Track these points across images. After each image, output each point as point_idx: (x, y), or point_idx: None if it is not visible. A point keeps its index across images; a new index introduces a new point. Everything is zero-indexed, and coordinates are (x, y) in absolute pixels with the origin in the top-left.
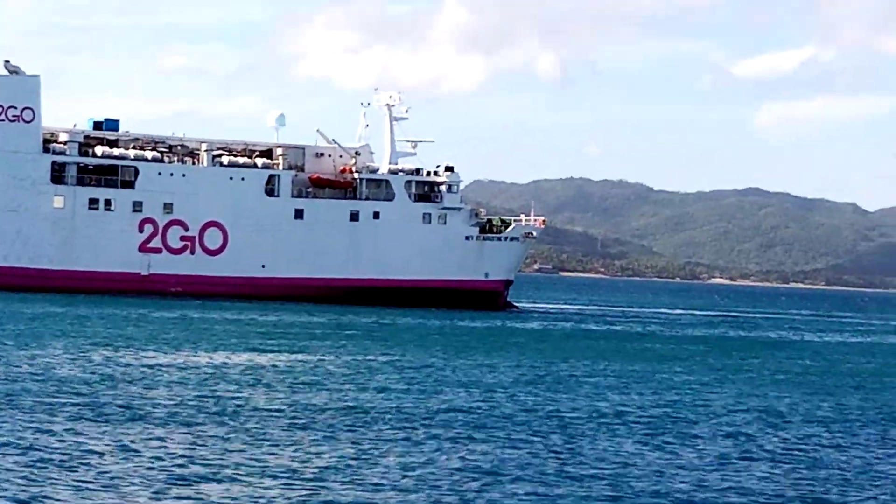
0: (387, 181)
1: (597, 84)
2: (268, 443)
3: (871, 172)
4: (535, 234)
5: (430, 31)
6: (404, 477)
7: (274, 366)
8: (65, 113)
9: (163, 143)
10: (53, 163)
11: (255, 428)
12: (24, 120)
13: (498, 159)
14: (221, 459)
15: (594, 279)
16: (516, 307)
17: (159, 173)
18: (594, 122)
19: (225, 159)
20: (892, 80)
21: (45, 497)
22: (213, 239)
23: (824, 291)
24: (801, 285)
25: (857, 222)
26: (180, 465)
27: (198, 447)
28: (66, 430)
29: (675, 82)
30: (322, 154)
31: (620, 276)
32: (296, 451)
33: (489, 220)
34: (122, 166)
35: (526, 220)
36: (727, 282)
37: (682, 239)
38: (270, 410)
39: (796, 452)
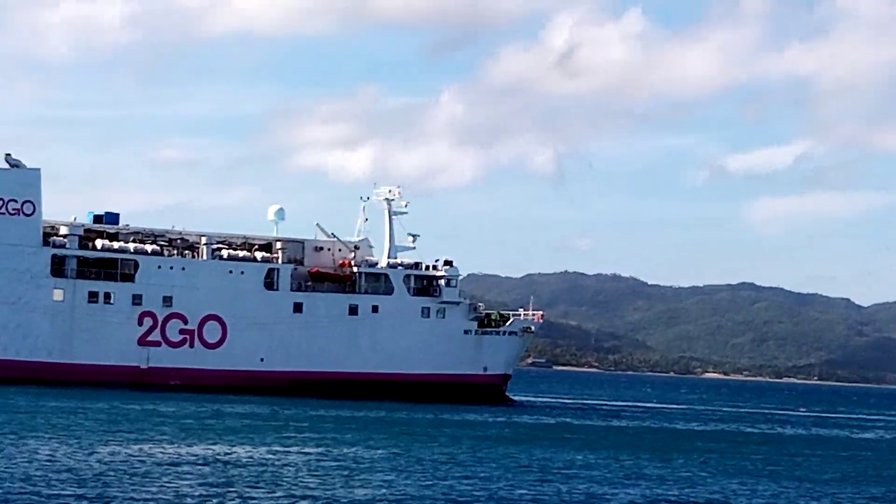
0: (386, 275)
1: (591, 179)
2: None
3: (864, 267)
4: (533, 328)
5: (426, 125)
6: None
7: (270, 459)
8: (60, 205)
9: (162, 236)
10: (53, 256)
11: None
12: (24, 213)
13: (492, 253)
14: None
15: (588, 373)
16: (514, 401)
17: (159, 267)
18: (588, 216)
19: (224, 253)
20: (885, 176)
21: None
22: (212, 332)
23: (819, 387)
24: (794, 380)
25: (850, 317)
26: None
27: None
28: None
29: (669, 177)
30: (321, 248)
31: (614, 370)
32: None
33: (488, 315)
34: (122, 259)
35: (524, 315)
36: (720, 376)
37: (675, 333)
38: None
39: None
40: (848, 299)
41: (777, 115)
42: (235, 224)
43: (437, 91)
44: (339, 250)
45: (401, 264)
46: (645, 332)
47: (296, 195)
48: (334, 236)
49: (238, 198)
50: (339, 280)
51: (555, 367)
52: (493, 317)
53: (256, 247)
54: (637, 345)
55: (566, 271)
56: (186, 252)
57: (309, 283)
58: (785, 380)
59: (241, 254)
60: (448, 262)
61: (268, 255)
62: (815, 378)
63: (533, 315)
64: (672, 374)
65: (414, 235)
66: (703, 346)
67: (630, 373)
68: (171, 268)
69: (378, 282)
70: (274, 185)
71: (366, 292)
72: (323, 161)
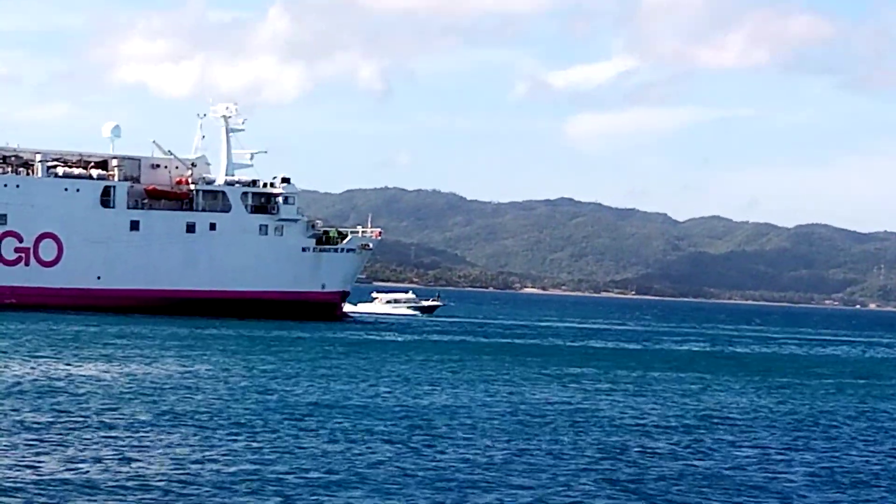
0: (223, 192)
1: (416, 94)
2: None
3: (680, 183)
4: (371, 245)
5: (252, 39)
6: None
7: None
8: None
9: None
10: None
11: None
12: None
13: (313, 169)
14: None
15: (409, 289)
16: (352, 317)
17: None
18: (410, 131)
19: (60, 170)
20: (705, 92)
21: None
22: (47, 250)
23: (636, 301)
24: (612, 295)
25: (667, 232)
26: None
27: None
28: None
29: (491, 92)
30: (158, 165)
31: (433, 285)
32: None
33: (325, 232)
34: None
35: (362, 232)
36: (539, 291)
37: (494, 248)
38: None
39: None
40: (665, 214)
41: (602, 32)
42: (58, 140)
43: (264, 5)
44: (176, 167)
45: (238, 182)
46: (464, 247)
47: (117, 110)
48: (171, 153)
49: (57, 113)
50: (176, 197)
51: (375, 283)
52: (331, 234)
53: (92, 164)
54: (457, 260)
55: (386, 187)
56: (21, 169)
57: (146, 201)
58: (603, 294)
59: (77, 171)
60: (286, 180)
61: (104, 172)
62: (633, 292)
63: (371, 232)
64: (491, 289)
65: (253, 153)
66: (522, 261)
67: (450, 288)
68: (6, 185)
69: (215, 199)
70: (94, 100)
71: (203, 210)
72: (145, 76)
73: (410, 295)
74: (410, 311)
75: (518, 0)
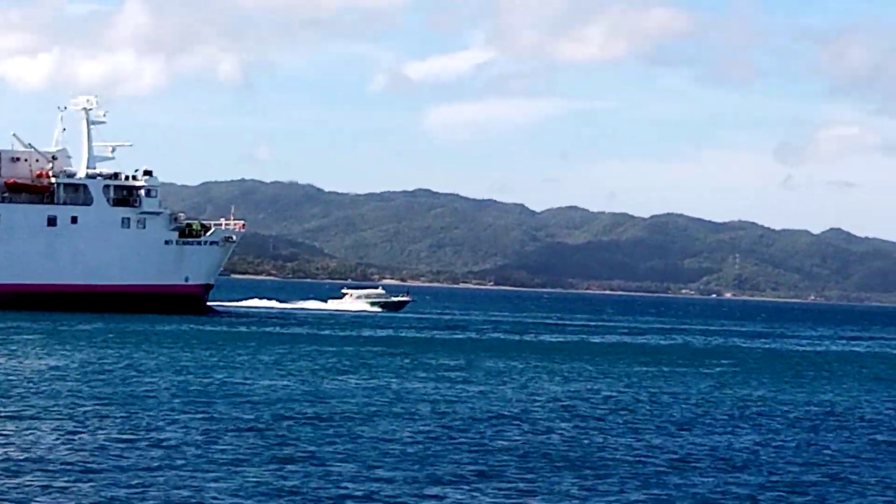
0: (84, 186)
1: (275, 88)
2: None
3: (538, 174)
4: (234, 238)
5: (110, 32)
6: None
7: None
8: None
9: None
10: None
11: None
12: None
13: (171, 162)
14: None
15: (267, 281)
16: (216, 310)
17: None
18: (269, 124)
19: None
20: (564, 85)
21: None
22: None
23: (497, 292)
24: (470, 286)
25: (524, 223)
26: None
27: None
28: None
29: (350, 85)
30: (18, 158)
31: (292, 277)
32: None
33: (189, 225)
34: None
35: (225, 224)
36: (398, 283)
37: (353, 240)
38: None
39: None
40: (522, 205)
41: (463, 26)
42: None
43: None
44: (37, 161)
45: (100, 174)
46: (323, 238)
47: None
48: (31, 147)
49: None
50: (37, 191)
51: (233, 276)
52: (194, 227)
53: None
54: (315, 252)
55: (243, 179)
56: None
57: (6, 194)
58: (462, 285)
59: None
60: (148, 172)
61: None
62: (491, 283)
63: (234, 224)
64: (350, 280)
65: (115, 146)
66: (381, 252)
67: (308, 280)
68: None
69: (77, 192)
70: None
71: (65, 203)
72: (3, 69)
73: (381, 291)
74: (373, 308)
75: None
